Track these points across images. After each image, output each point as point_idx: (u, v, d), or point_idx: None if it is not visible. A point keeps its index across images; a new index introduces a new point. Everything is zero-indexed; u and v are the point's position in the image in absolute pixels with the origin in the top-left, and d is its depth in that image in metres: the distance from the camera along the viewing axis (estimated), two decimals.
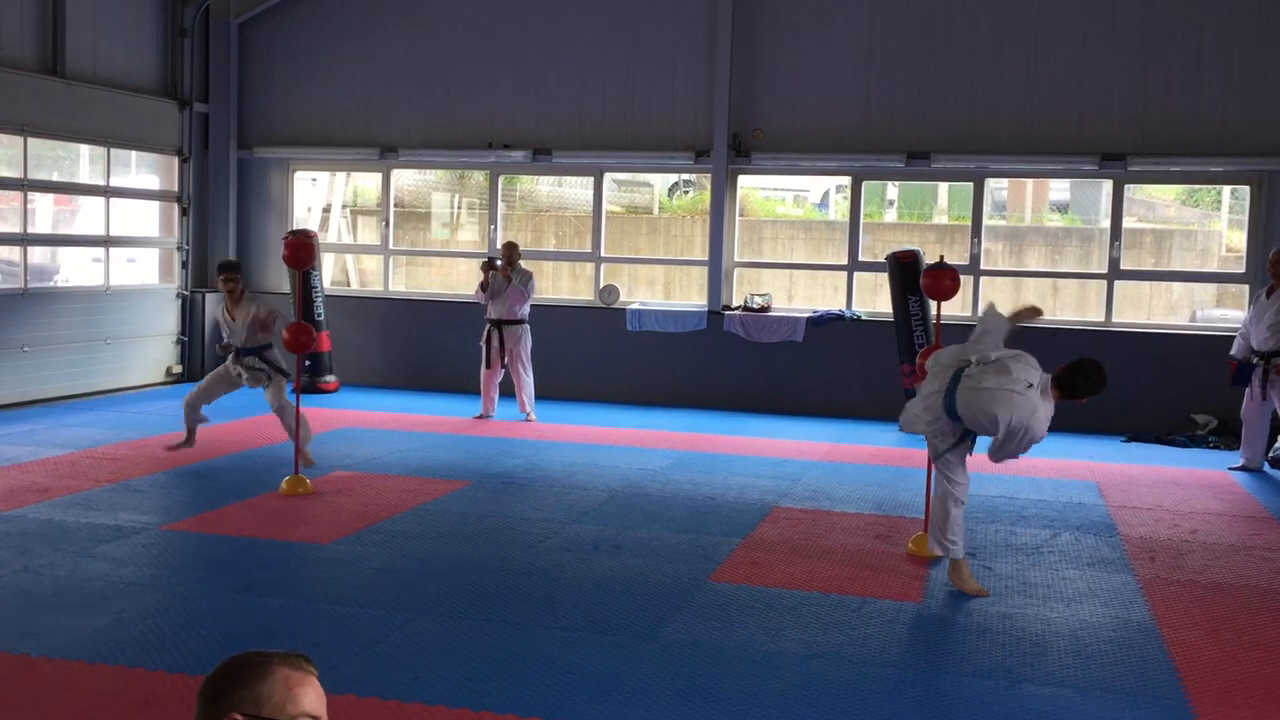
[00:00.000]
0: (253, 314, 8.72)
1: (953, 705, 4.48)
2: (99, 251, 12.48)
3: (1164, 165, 11.38)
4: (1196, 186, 13.60)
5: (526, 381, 11.20)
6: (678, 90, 12.41)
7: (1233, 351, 9.65)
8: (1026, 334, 11.84)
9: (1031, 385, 5.79)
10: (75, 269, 12.79)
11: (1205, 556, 6.84)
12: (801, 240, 14.15)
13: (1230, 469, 9.64)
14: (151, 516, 7.13)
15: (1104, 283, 11.84)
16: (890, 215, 14.69)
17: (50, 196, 12.61)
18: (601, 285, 12.96)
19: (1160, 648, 5.19)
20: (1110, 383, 11.67)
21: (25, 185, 11.40)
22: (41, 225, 12.46)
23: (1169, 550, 6.95)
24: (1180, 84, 11.23)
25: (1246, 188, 11.50)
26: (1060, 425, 11.13)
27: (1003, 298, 12.86)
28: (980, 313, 5.79)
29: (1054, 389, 5.88)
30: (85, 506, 7.25)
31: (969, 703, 4.51)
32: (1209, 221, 14.41)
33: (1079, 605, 5.82)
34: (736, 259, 12.70)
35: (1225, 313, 12.23)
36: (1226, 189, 13.28)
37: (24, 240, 11.50)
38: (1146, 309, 12.66)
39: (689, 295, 13.47)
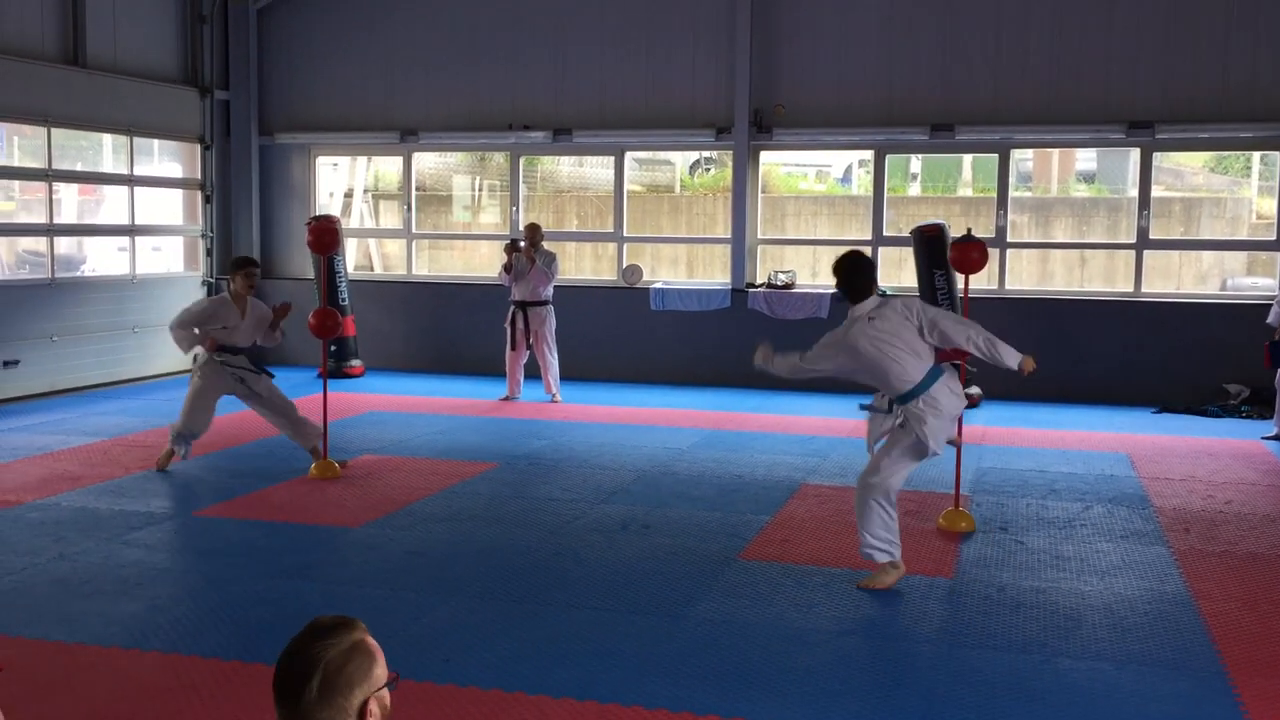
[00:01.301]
0: (261, 313, 7.99)
1: (988, 680, 4.45)
2: (124, 241, 12.54)
3: (1192, 132, 11.22)
4: (1225, 153, 13.42)
5: (552, 362, 11.20)
6: (698, 67, 12.33)
7: (1270, 319, 9.55)
8: (1058, 306, 11.76)
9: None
10: (101, 258, 12.86)
11: (1240, 527, 6.77)
12: (825, 216, 14.05)
13: (1264, 438, 9.54)
14: (183, 503, 7.17)
15: (1132, 253, 11.72)
16: (914, 189, 14.57)
17: (75, 186, 12.67)
18: (624, 265, 12.92)
19: (1196, 620, 5.14)
20: (1140, 353, 11.69)
21: (50, 176, 11.46)
22: (67, 215, 12.52)
23: (1203, 521, 6.88)
24: (1208, 49, 11.06)
25: (1277, 153, 11.34)
26: (1089, 397, 11.13)
27: (1030, 270, 12.77)
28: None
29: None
30: (117, 494, 7.31)
31: (1004, 677, 4.48)
32: (1238, 188, 14.20)
33: (1113, 578, 5.77)
34: (759, 236, 12.63)
35: (1256, 281, 12.07)
36: (1256, 155, 13.07)
37: (50, 231, 11.57)
38: (1176, 279, 12.52)
39: (712, 273, 13.42)
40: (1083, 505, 7.24)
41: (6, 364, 10.85)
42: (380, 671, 2.12)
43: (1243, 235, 13.04)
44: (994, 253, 11.33)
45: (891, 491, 5.60)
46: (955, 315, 5.68)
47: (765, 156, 12.81)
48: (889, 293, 5.77)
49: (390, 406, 10.79)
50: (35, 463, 8.19)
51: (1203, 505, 7.28)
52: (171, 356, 12.81)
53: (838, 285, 5.66)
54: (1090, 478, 8.01)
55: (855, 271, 5.61)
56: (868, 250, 12.34)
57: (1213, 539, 6.50)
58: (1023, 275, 12.55)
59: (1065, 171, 14.70)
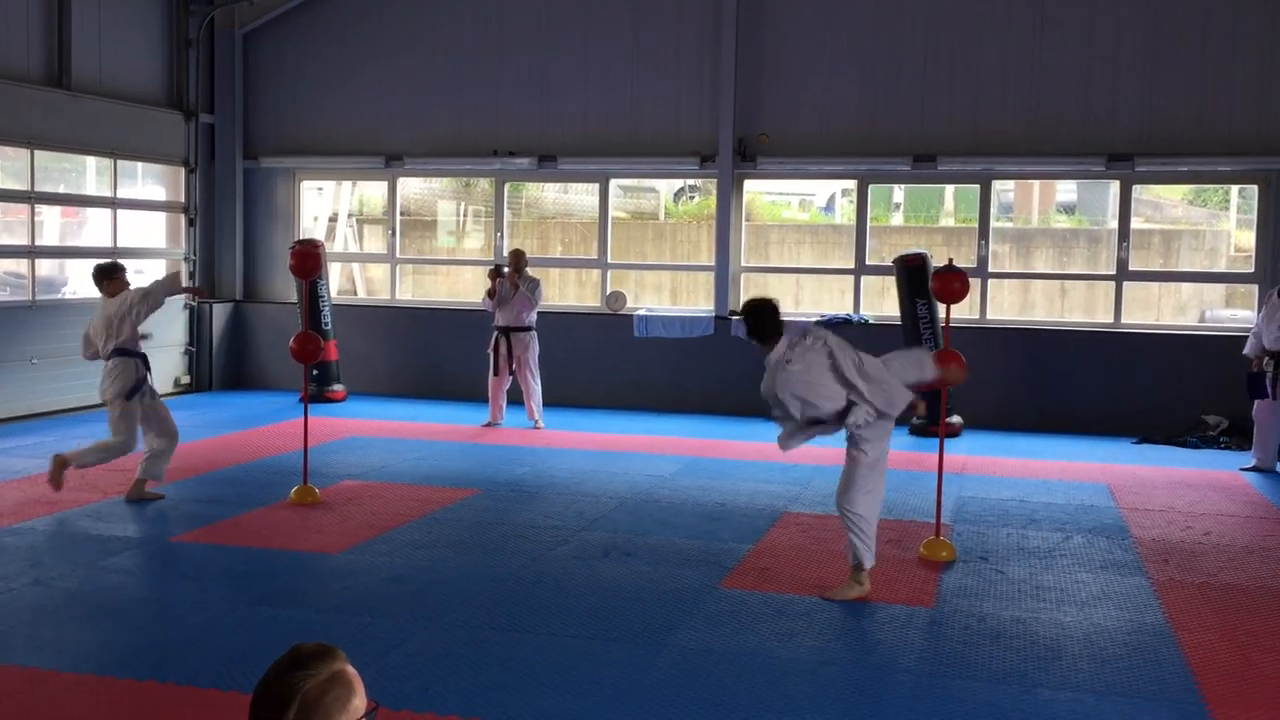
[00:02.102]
0: (128, 300, 7.71)
1: (967, 711, 4.45)
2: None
3: (1171, 165, 11.34)
4: (1204, 186, 13.56)
5: (535, 388, 11.19)
6: (682, 95, 12.40)
7: (1246, 350, 9.65)
8: (1039, 336, 11.82)
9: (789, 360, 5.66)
10: (83, 281, 12.75)
11: (1219, 558, 6.80)
12: (808, 244, 14.12)
13: (1242, 469, 9.60)
14: (161, 528, 7.12)
15: (1112, 284, 11.81)
16: (897, 218, 14.67)
17: (57, 209, 12.63)
18: (608, 291, 12.94)
19: (1175, 651, 5.16)
20: (1120, 384, 11.77)
21: (32, 197, 11.42)
22: (49, 237, 12.47)
23: (1182, 552, 6.91)
24: (1187, 83, 11.19)
25: (1254, 187, 11.47)
26: (1069, 428, 11.19)
27: (1011, 300, 12.86)
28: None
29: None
30: (95, 518, 7.25)
31: (983, 708, 4.48)
32: (1217, 221, 14.35)
33: (1093, 609, 5.78)
34: (743, 264, 12.68)
35: (1235, 313, 12.18)
36: (1234, 189, 13.24)
37: (31, 253, 11.52)
38: (1155, 310, 12.62)
39: (696, 300, 13.46)
40: (1063, 535, 7.26)
41: None
42: (359, 702, 2.10)
43: (1221, 267, 13.18)
44: (975, 283, 11.41)
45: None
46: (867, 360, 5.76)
47: (749, 185, 12.88)
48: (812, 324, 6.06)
49: (372, 432, 10.75)
50: (12, 486, 8.13)
51: (1182, 536, 7.31)
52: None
53: (748, 332, 5.79)
54: (1070, 508, 8.04)
55: (761, 318, 5.73)
56: (850, 280, 12.43)
57: (1192, 570, 6.53)
58: (1004, 305, 12.63)
59: (1046, 203, 14.84)
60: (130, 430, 7.78)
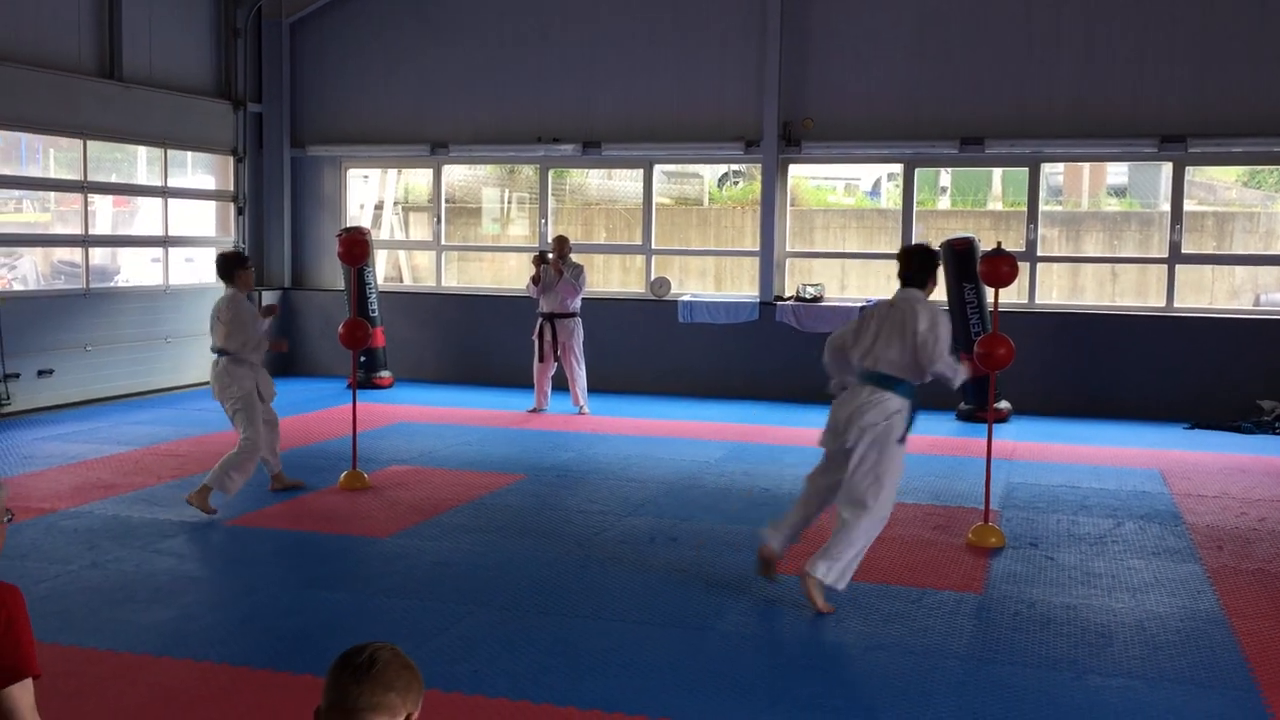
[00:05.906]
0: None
1: (1019, 697, 4.42)
2: (158, 251, 12.66)
3: (1225, 146, 11.13)
4: (1259, 168, 13.30)
5: (579, 374, 11.22)
6: (727, 80, 12.34)
7: None
8: (1089, 320, 11.67)
9: None
10: (135, 269, 13.00)
11: (1274, 545, 6.69)
12: (853, 229, 14.03)
13: None
14: (215, 512, 7.22)
15: (1164, 267, 11.63)
16: (944, 202, 14.52)
17: (110, 198, 12.82)
18: (652, 277, 12.94)
19: (1230, 638, 5.09)
20: (1172, 369, 11.59)
21: (85, 187, 11.60)
22: (102, 226, 12.66)
23: (1237, 539, 6.81)
24: (1240, 62, 10.98)
25: None
26: (1120, 413, 11.04)
27: (1061, 284, 12.71)
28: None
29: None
30: (150, 502, 7.37)
31: (1035, 694, 4.45)
32: (1272, 203, 14.08)
33: (1145, 595, 5.72)
34: (788, 249, 12.62)
35: None
36: None
37: (85, 241, 11.71)
38: (1209, 294, 12.41)
39: (740, 286, 13.42)
40: (1114, 521, 7.18)
41: (40, 373, 10.97)
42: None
43: (1276, 250, 12.93)
44: (1024, 266, 11.28)
45: None
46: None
47: (794, 169, 12.80)
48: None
49: (419, 418, 10.84)
50: (68, 471, 8.28)
51: (1236, 522, 7.21)
52: (203, 367, 12.91)
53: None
54: (1122, 494, 7.95)
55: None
56: (896, 265, 12.29)
57: (1246, 556, 6.44)
58: (1053, 289, 12.48)
59: (1096, 185, 14.62)
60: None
